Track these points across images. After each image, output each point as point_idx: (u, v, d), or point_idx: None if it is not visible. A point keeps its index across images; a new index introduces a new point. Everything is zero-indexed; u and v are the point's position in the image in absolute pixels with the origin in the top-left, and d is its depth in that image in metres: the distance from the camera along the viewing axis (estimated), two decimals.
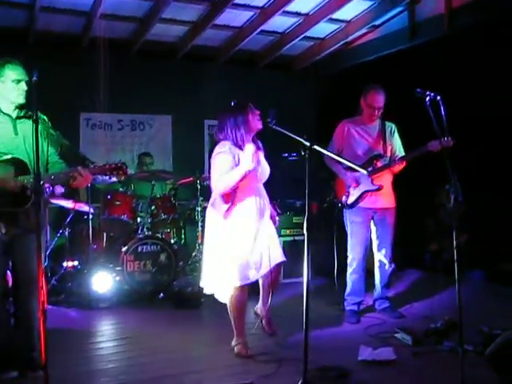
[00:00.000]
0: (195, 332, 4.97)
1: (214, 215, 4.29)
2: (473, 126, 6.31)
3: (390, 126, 5.40)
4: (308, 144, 3.40)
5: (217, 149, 4.19)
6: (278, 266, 4.46)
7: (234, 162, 4.08)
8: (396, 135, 5.41)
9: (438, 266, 6.80)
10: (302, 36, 8.14)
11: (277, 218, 4.69)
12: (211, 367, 4.11)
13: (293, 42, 8.33)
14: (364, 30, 8.06)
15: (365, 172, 4.42)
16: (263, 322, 4.71)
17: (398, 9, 7.33)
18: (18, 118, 3.74)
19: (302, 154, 3.40)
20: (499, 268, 6.48)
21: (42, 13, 6.96)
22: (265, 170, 4.43)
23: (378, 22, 7.80)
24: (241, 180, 4.03)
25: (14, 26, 7.35)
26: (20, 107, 3.76)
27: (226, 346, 4.36)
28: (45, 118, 3.82)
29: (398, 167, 5.24)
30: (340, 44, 8.46)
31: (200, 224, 6.76)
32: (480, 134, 6.41)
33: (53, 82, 6.88)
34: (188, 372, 3.96)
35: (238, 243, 4.17)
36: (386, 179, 5.28)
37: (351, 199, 5.24)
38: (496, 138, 6.41)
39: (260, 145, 4.43)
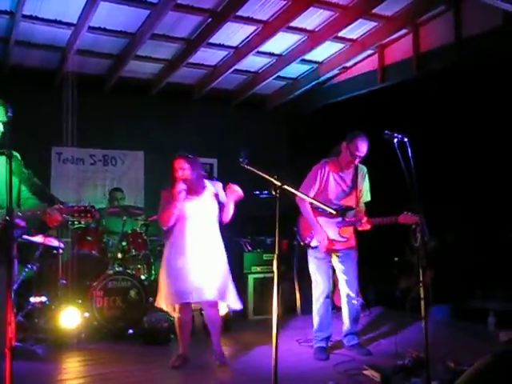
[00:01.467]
0: (164, 369, 4.88)
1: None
2: (440, 165, 6.48)
3: (362, 170, 5.41)
4: (279, 184, 3.48)
5: None
6: (213, 305, 4.87)
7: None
8: (366, 179, 5.44)
9: (406, 303, 6.85)
10: (275, 76, 8.30)
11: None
12: None
13: (266, 82, 8.48)
14: (336, 71, 8.26)
15: (334, 212, 4.48)
16: (215, 355, 4.95)
17: (368, 52, 7.55)
18: None
19: (273, 193, 3.47)
20: (465, 304, 6.57)
21: (17, 47, 6.99)
22: (212, 209, 4.95)
23: (348, 64, 8.00)
24: (172, 213, 4.79)
25: None
26: None
27: None
28: (17, 155, 3.78)
29: (363, 227, 5.17)
30: (312, 84, 8.64)
31: None
32: (447, 173, 6.58)
33: (26, 116, 6.88)
34: None
35: (171, 268, 4.80)
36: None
37: (315, 243, 5.26)
38: (463, 175, 6.58)
39: (212, 183, 5.05)
